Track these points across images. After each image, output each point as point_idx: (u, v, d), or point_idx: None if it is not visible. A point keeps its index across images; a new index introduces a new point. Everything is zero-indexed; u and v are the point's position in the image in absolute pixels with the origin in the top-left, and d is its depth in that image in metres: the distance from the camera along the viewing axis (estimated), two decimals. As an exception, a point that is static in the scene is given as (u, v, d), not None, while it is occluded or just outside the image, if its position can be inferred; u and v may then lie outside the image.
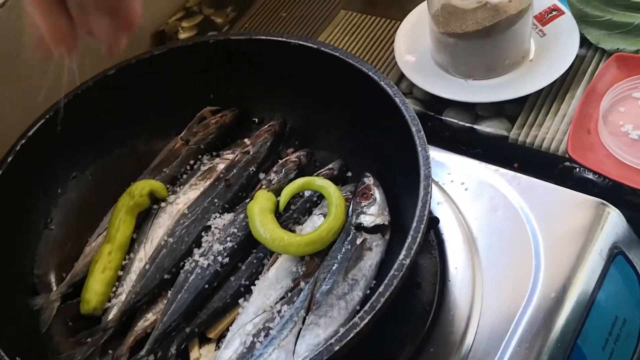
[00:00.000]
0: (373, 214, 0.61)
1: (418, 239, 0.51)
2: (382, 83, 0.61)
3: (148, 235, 0.64)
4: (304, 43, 0.66)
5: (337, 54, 0.65)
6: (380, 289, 0.48)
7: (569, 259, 0.62)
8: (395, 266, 0.50)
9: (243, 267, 0.61)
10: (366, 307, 0.48)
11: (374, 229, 0.60)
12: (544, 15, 0.85)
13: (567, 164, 0.73)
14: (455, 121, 0.80)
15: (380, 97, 0.62)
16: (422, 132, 0.57)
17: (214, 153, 0.71)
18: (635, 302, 0.65)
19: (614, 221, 0.65)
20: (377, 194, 0.62)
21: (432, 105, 0.82)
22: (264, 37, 0.68)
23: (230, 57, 0.70)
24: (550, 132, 0.76)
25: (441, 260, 0.64)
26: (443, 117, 0.81)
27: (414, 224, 0.52)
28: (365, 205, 0.61)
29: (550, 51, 0.81)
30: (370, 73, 0.62)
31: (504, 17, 0.75)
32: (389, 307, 0.49)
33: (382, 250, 0.60)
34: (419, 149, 0.56)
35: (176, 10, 1.03)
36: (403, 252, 0.50)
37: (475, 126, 0.79)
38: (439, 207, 0.68)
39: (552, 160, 0.74)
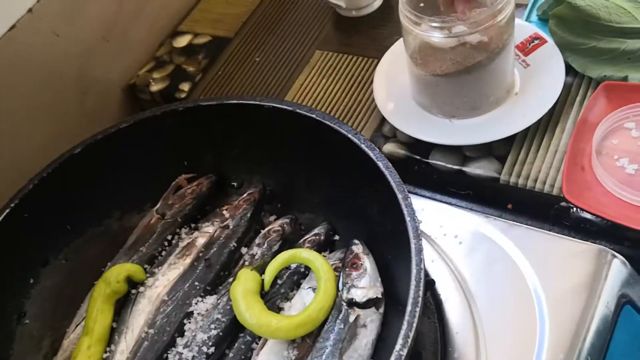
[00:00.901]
0: (365, 286, 0.57)
1: (414, 324, 0.48)
2: (363, 146, 0.58)
3: (128, 324, 0.60)
4: (278, 105, 0.63)
5: (313, 115, 0.62)
6: (379, 387, 0.45)
7: (575, 314, 0.59)
8: (393, 357, 0.46)
9: (230, 354, 0.57)
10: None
11: (367, 303, 0.57)
12: (525, 44, 0.82)
13: (564, 204, 0.70)
14: (443, 164, 0.77)
15: (363, 159, 0.59)
16: (410, 200, 0.54)
17: (192, 225, 0.67)
18: (647, 351, 0.62)
19: (618, 269, 0.62)
20: (368, 263, 0.59)
21: (417, 148, 0.79)
22: (235, 102, 0.65)
23: (202, 123, 0.67)
24: (542, 170, 0.73)
25: (440, 324, 0.61)
26: (430, 160, 0.78)
27: (409, 307, 0.48)
28: (355, 277, 0.58)
29: (535, 83, 0.78)
30: (349, 135, 0.59)
31: (484, 56, 0.71)
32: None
33: (377, 325, 0.56)
34: (408, 219, 0.53)
35: (146, 61, 1.00)
36: (400, 341, 0.47)
37: (463, 168, 0.76)
38: (433, 265, 0.65)
39: (547, 201, 0.71)
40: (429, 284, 0.62)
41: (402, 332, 0.47)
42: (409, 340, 0.47)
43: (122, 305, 0.62)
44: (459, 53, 0.72)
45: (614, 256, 0.62)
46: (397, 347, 0.46)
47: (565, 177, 0.70)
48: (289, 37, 0.97)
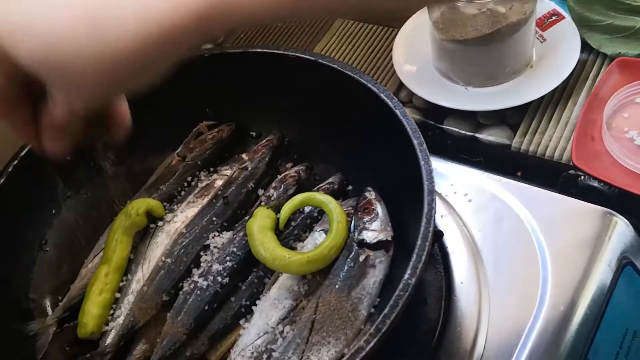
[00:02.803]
0: (375, 229, 0.59)
1: (423, 257, 0.49)
2: (382, 95, 0.60)
3: (146, 255, 0.62)
4: (301, 55, 0.65)
5: (335, 65, 0.63)
6: (386, 311, 0.47)
7: (577, 271, 0.61)
8: (400, 286, 0.48)
9: (243, 287, 0.59)
10: (371, 330, 0.46)
11: (377, 245, 0.58)
12: (543, 20, 0.83)
13: (572, 172, 0.72)
14: (457, 130, 0.79)
15: (381, 109, 0.60)
16: (424, 146, 0.56)
17: (212, 169, 0.69)
18: (646, 312, 0.64)
19: (622, 231, 0.63)
20: (379, 208, 0.60)
21: (433, 114, 0.81)
22: (260, 50, 0.67)
23: (226, 71, 0.69)
24: (553, 139, 0.75)
25: (446, 274, 0.63)
26: (444, 126, 0.80)
27: (419, 242, 0.50)
28: (367, 221, 0.60)
29: (551, 57, 0.80)
30: (369, 85, 0.61)
31: (504, 25, 0.73)
32: (395, 328, 0.47)
33: (385, 266, 0.58)
34: (422, 162, 0.55)
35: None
36: (408, 271, 0.49)
37: (476, 135, 0.78)
38: (443, 220, 0.67)
39: (556, 169, 0.73)
40: (438, 235, 0.64)
41: (411, 263, 0.49)
42: (417, 271, 0.48)
43: (141, 238, 0.64)
44: (479, 21, 0.74)
45: (619, 218, 0.63)
46: (406, 276, 0.48)
47: (575, 145, 0.72)
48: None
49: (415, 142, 0.56)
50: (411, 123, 0.57)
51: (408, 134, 0.57)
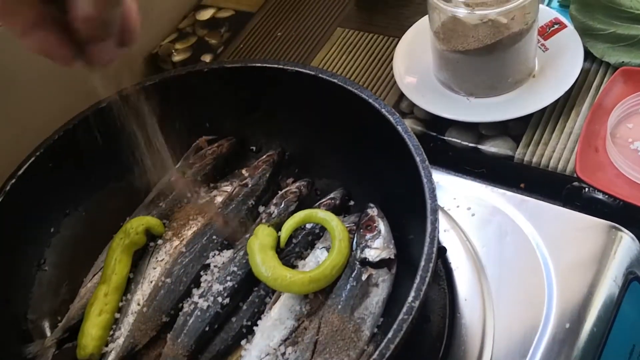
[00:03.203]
0: (378, 247, 0.58)
1: (427, 279, 0.49)
2: (383, 110, 0.59)
3: (145, 274, 0.62)
4: (301, 70, 0.64)
5: (335, 80, 0.63)
6: (389, 335, 0.46)
7: (583, 287, 0.60)
8: (404, 309, 0.47)
9: (244, 307, 0.58)
10: (375, 355, 0.45)
11: (380, 264, 0.58)
12: (545, 29, 0.83)
13: (576, 184, 0.71)
14: (459, 141, 0.78)
15: (382, 124, 0.60)
16: (427, 162, 0.55)
17: (212, 185, 0.68)
18: (653, 328, 0.63)
19: (627, 245, 0.62)
20: (382, 225, 0.60)
21: (434, 125, 0.80)
22: (259, 65, 0.66)
23: (226, 85, 0.68)
24: (556, 150, 0.74)
25: (450, 291, 0.62)
26: (446, 137, 0.79)
27: (422, 263, 0.49)
28: (369, 238, 0.59)
29: (554, 66, 0.79)
30: (370, 100, 0.60)
31: (505, 35, 0.72)
32: (398, 353, 0.46)
33: (389, 285, 0.57)
34: (425, 180, 0.54)
35: (169, 32, 1.01)
36: (412, 294, 0.48)
37: (479, 146, 0.77)
38: (446, 235, 0.66)
39: (559, 180, 0.72)
40: (441, 251, 0.63)
41: (415, 286, 0.48)
42: (421, 294, 0.48)
43: (140, 257, 0.64)
44: (481, 31, 0.73)
45: (624, 233, 0.63)
46: (409, 298, 0.48)
47: (579, 157, 0.71)
48: (311, 13, 0.98)
49: (417, 159, 0.55)
50: (413, 139, 0.57)
51: (410, 150, 0.56)
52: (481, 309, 0.61)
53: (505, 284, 0.62)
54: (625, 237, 0.62)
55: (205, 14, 1.03)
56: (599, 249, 0.62)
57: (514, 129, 0.77)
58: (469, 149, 0.78)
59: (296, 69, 0.64)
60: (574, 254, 0.62)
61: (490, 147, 0.76)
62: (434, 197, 0.53)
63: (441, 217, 0.67)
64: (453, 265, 0.64)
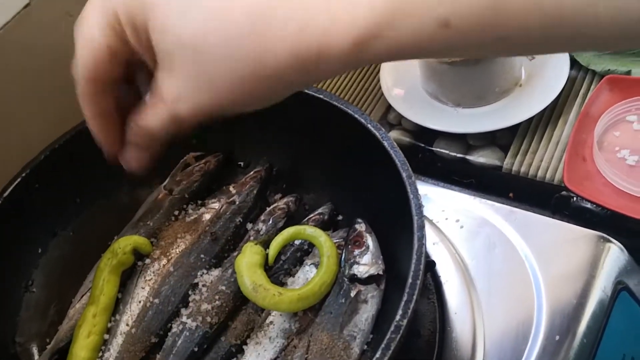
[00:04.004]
0: (366, 263, 0.58)
1: (414, 296, 0.48)
2: (369, 126, 0.59)
3: (133, 294, 0.61)
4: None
5: (321, 96, 0.62)
6: (378, 355, 0.46)
7: (572, 298, 0.60)
8: (392, 328, 0.47)
9: (233, 326, 0.58)
10: (364, 376, 0.45)
11: (369, 280, 0.58)
12: (531, 37, 0.83)
13: (564, 193, 0.71)
14: (447, 152, 0.78)
15: (368, 139, 0.59)
16: (413, 178, 0.55)
17: (199, 202, 0.68)
18: (643, 337, 0.63)
19: (616, 255, 0.63)
20: (370, 241, 0.60)
21: (422, 136, 0.80)
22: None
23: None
24: (544, 160, 0.74)
25: (440, 305, 0.62)
26: (434, 148, 0.79)
27: (409, 280, 0.49)
28: (357, 254, 0.59)
29: (540, 75, 0.79)
30: (356, 115, 0.60)
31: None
32: (388, 371, 0.46)
33: (377, 301, 0.57)
34: (411, 196, 0.54)
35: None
36: (399, 312, 0.48)
37: (467, 156, 0.77)
38: (435, 248, 0.66)
39: (548, 190, 0.72)
40: (430, 265, 0.63)
41: (402, 304, 0.48)
42: (409, 312, 0.48)
43: (129, 276, 0.63)
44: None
45: (612, 243, 0.63)
46: (397, 317, 0.47)
47: (567, 166, 0.71)
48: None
49: (404, 175, 0.55)
50: (399, 155, 0.57)
51: (396, 166, 0.56)
52: (471, 322, 0.61)
53: (495, 296, 0.62)
54: (614, 247, 0.63)
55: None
56: (588, 259, 0.62)
57: (502, 139, 0.77)
58: (457, 159, 0.78)
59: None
60: (563, 265, 0.62)
61: (479, 158, 0.77)
62: (420, 214, 0.53)
63: (430, 229, 0.68)
64: (443, 279, 0.64)
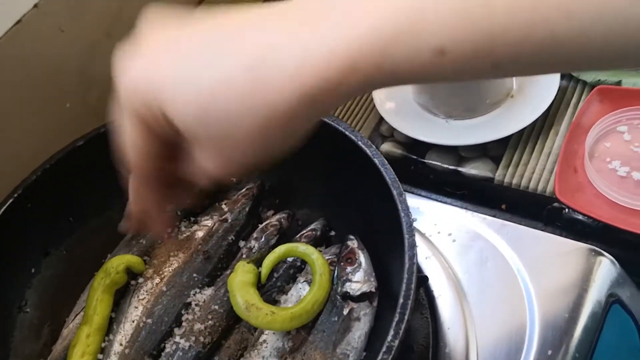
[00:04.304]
0: (359, 280, 0.58)
1: (406, 316, 0.49)
2: (359, 143, 0.59)
3: (127, 314, 0.61)
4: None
5: (312, 113, 0.62)
6: (369, 376, 0.46)
7: (564, 311, 0.60)
8: (384, 348, 0.47)
9: (227, 345, 0.58)
10: (356, 398, 0.45)
11: (361, 297, 0.58)
12: (522, 48, 0.83)
13: (556, 204, 0.71)
14: (439, 164, 0.79)
15: (359, 156, 0.60)
16: (404, 196, 0.55)
17: (192, 219, 0.68)
18: (636, 350, 0.63)
19: (607, 268, 0.63)
20: (362, 258, 0.60)
21: (414, 148, 0.80)
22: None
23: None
24: (536, 171, 0.74)
25: (433, 319, 0.62)
26: (426, 160, 0.79)
27: (401, 300, 0.49)
28: (350, 271, 0.59)
29: (531, 86, 0.80)
30: (347, 132, 0.60)
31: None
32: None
33: (370, 318, 0.57)
34: (402, 214, 0.54)
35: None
36: (391, 333, 0.48)
37: (459, 168, 0.77)
38: (427, 262, 0.66)
39: (540, 202, 0.73)
40: (422, 280, 0.63)
41: (394, 324, 0.48)
42: (400, 332, 0.48)
43: (122, 295, 0.63)
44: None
45: (604, 256, 0.63)
46: (389, 338, 0.47)
47: (558, 178, 0.71)
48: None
49: (394, 192, 0.55)
50: (390, 172, 0.57)
51: (387, 184, 0.56)
52: (464, 336, 0.61)
53: (488, 310, 0.62)
54: (605, 260, 0.63)
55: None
56: (580, 272, 0.62)
57: (493, 150, 0.77)
58: (449, 171, 0.78)
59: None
60: (555, 279, 0.63)
61: (471, 170, 0.77)
62: (411, 232, 0.53)
63: (422, 243, 0.68)
64: (435, 293, 0.64)
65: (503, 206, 0.75)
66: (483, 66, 0.32)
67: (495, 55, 0.31)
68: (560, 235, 0.69)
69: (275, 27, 0.34)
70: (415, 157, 0.80)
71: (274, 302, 0.61)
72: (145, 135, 0.37)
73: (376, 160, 0.58)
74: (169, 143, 0.38)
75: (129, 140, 0.38)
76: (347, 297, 0.58)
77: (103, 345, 0.60)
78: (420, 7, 0.31)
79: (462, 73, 0.33)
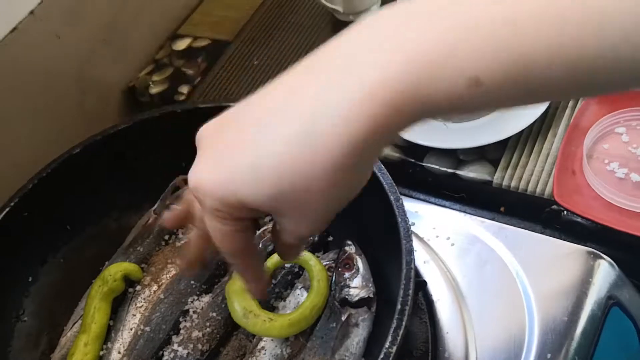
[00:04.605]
0: (357, 286, 0.58)
1: (404, 321, 0.49)
2: (356, 148, 0.59)
3: (125, 322, 0.61)
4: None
5: (308, 118, 0.62)
6: (367, 384, 0.46)
7: (563, 314, 0.60)
8: (382, 355, 0.47)
9: (225, 352, 0.58)
10: (354, 405, 0.45)
11: (359, 303, 0.57)
12: (519, 50, 0.83)
13: (555, 207, 0.71)
14: (437, 167, 0.78)
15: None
16: (401, 202, 0.55)
17: (189, 225, 0.68)
18: (635, 352, 0.63)
19: (606, 271, 0.63)
20: (360, 263, 0.60)
21: (413, 151, 0.80)
22: (232, 104, 0.65)
23: (200, 124, 0.68)
24: (534, 174, 0.74)
25: (431, 324, 0.62)
26: (424, 164, 0.79)
27: (398, 306, 0.49)
28: (348, 277, 0.59)
29: (528, 88, 0.79)
30: (343, 138, 0.60)
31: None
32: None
33: (369, 324, 0.57)
34: (399, 220, 0.54)
35: (146, 64, 1.01)
36: (389, 339, 0.48)
37: (457, 171, 0.77)
38: (426, 266, 0.66)
39: (538, 204, 0.72)
40: (421, 285, 0.63)
41: (392, 330, 0.48)
42: (398, 338, 0.48)
43: (120, 303, 0.63)
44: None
45: (603, 258, 0.63)
46: (387, 344, 0.47)
47: (556, 180, 0.71)
48: (287, 41, 0.98)
49: (391, 197, 0.55)
50: (387, 178, 0.57)
51: (384, 189, 0.56)
52: (463, 340, 0.61)
53: (487, 314, 0.62)
54: (604, 263, 0.63)
55: (182, 44, 1.03)
56: (578, 275, 0.62)
57: (492, 153, 0.77)
58: (447, 174, 0.78)
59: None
60: (554, 282, 0.63)
61: (469, 173, 0.77)
62: (408, 238, 0.53)
63: (421, 248, 0.68)
64: (434, 297, 0.64)
65: (502, 209, 0.75)
66: (518, 92, 0.33)
67: (528, 79, 0.32)
68: (559, 237, 0.69)
69: (309, 87, 0.35)
70: (413, 160, 0.79)
71: (272, 308, 0.61)
72: (231, 228, 0.39)
73: (373, 166, 0.58)
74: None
75: (221, 239, 0.40)
76: (345, 303, 0.57)
77: (101, 353, 0.60)
78: (451, 39, 0.32)
79: (499, 101, 0.34)
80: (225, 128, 0.39)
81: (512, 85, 0.32)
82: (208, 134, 0.40)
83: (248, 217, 0.39)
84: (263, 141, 0.35)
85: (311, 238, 0.64)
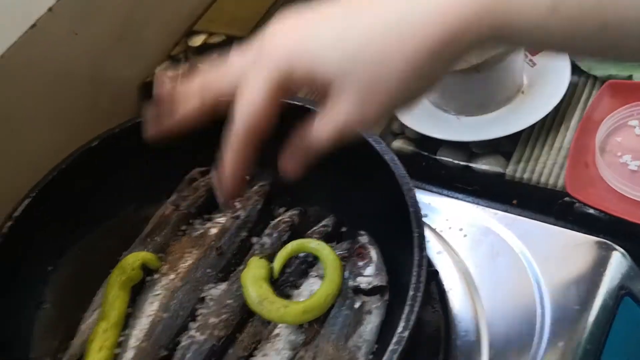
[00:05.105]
0: (370, 275, 0.59)
1: (416, 307, 0.49)
2: (369, 140, 0.60)
3: (143, 309, 0.62)
4: (289, 101, 0.65)
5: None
6: (380, 367, 0.47)
7: (575, 305, 0.61)
8: (394, 339, 0.48)
9: (241, 338, 0.59)
10: (367, 388, 0.46)
11: (372, 291, 0.58)
12: (532, 44, 0.83)
13: (567, 199, 0.72)
14: (450, 160, 0.79)
15: (369, 153, 0.60)
16: (414, 192, 0.56)
17: (206, 216, 0.69)
18: (647, 342, 0.63)
19: (619, 261, 0.63)
20: (373, 253, 0.61)
21: (425, 144, 0.81)
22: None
23: (217, 118, 0.69)
24: (547, 166, 0.74)
25: (444, 313, 0.63)
26: (437, 157, 0.80)
27: (411, 292, 0.50)
28: (361, 266, 0.60)
29: (542, 81, 0.80)
30: (357, 129, 0.61)
31: (492, 54, 0.73)
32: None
33: (381, 312, 0.58)
34: (411, 210, 0.55)
35: (161, 60, 1.02)
36: (401, 324, 0.48)
37: (470, 164, 0.78)
38: (439, 257, 0.67)
39: (551, 196, 0.73)
40: (433, 274, 0.64)
41: (404, 316, 0.49)
42: (411, 323, 0.48)
43: (138, 291, 0.64)
44: (466, 52, 0.73)
45: (615, 249, 0.63)
46: (399, 329, 0.48)
47: (569, 173, 0.71)
48: (301, 36, 0.99)
49: (404, 188, 0.56)
50: (399, 169, 0.57)
51: (397, 179, 0.57)
52: (475, 329, 0.61)
53: (499, 304, 0.63)
54: (616, 254, 0.63)
55: (197, 40, 1.04)
56: (591, 266, 0.63)
57: (505, 146, 0.78)
58: (460, 167, 0.78)
59: (284, 100, 0.65)
60: (566, 272, 0.63)
61: (482, 165, 0.77)
62: (420, 227, 0.54)
63: (434, 239, 0.68)
64: (446, 287, 0.65)
65: (514, 201, 0.75)
66: (592, 28, 0.35)
67: (603, 14, 0.34)
68: (572, 229, 0.69)
69: None
70: (426, 153, 0.80)
71: (287, 296, 0.62)
72: (273, 94, 0.41)
73: (386, 157, 0.59)
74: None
75: (254, 98, 0.41)
76: (358, 291, 0.58)
77: (120, 339, 0.61)
78: None
79: (572, 35, 0.36)
80: (311, 10, 0.40)
81: (586, 16, 0.34)
82: (289, 14, 0.41)
83: (295, 90, 0.41)
84: (354, 21, 0.37)
85: (324, 228, 0.65)
